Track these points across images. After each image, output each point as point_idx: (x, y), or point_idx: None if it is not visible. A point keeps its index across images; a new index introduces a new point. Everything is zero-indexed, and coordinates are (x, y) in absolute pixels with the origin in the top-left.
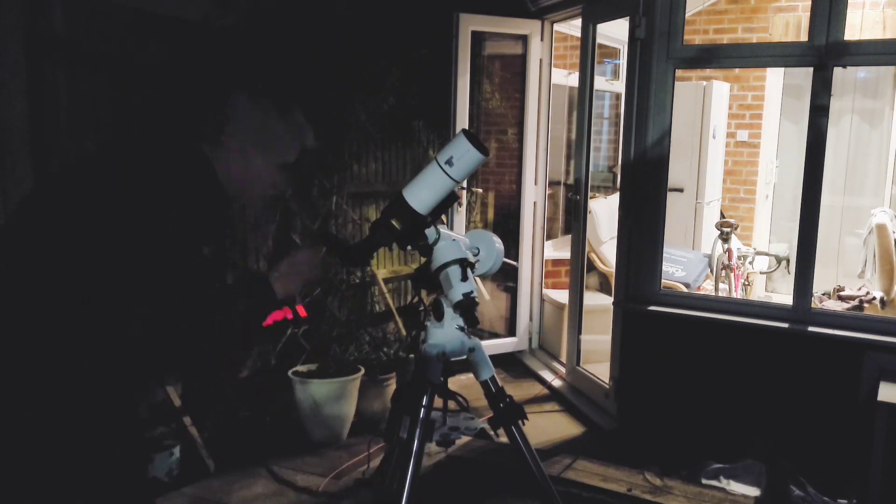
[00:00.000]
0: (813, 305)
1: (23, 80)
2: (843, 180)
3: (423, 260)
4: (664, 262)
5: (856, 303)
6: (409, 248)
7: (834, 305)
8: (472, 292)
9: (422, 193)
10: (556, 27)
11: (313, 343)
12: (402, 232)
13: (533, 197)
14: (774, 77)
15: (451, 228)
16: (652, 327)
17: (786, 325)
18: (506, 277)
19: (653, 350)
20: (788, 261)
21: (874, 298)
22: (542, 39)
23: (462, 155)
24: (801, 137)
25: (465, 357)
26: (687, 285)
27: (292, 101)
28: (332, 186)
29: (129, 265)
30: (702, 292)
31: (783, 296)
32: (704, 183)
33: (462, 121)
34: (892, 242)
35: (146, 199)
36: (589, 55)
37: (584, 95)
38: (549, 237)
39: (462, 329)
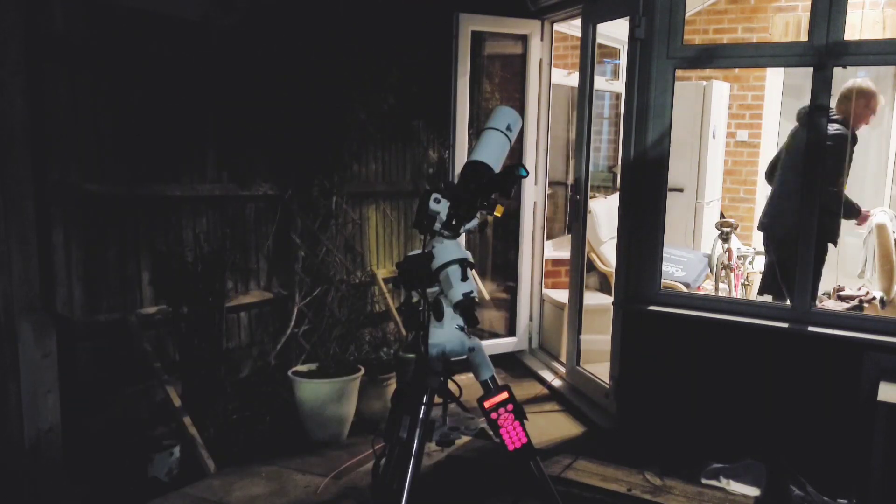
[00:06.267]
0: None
1: (23, 80)
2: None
3: (411, 251)
4: (664, 262)
5: (856, 303)
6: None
7: (834, 305)
8: (471, 292)
9: (493, 156)
10: (556, 27)
11: (313, 343)
12: (491, 179)
13: (533, 197)
14: (774, 77)
15: None
16: (652, 327)
17: (786, 325)
18: (506, 277)
19: (653, 350)
20: None
21: (874, 298)
22: (542, 39)
23: (517, 121)
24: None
25: (465, 357)
26: (687, 285)
27: None
28: (332, 186)
29: None
30: (702, 292)
31: None
32: (704, 183)
33: (462, 121)
34: (892, 242)
35: None
36: (589, 55)
37: (584, 95)
38: (549, 237)
39: (462, 329)
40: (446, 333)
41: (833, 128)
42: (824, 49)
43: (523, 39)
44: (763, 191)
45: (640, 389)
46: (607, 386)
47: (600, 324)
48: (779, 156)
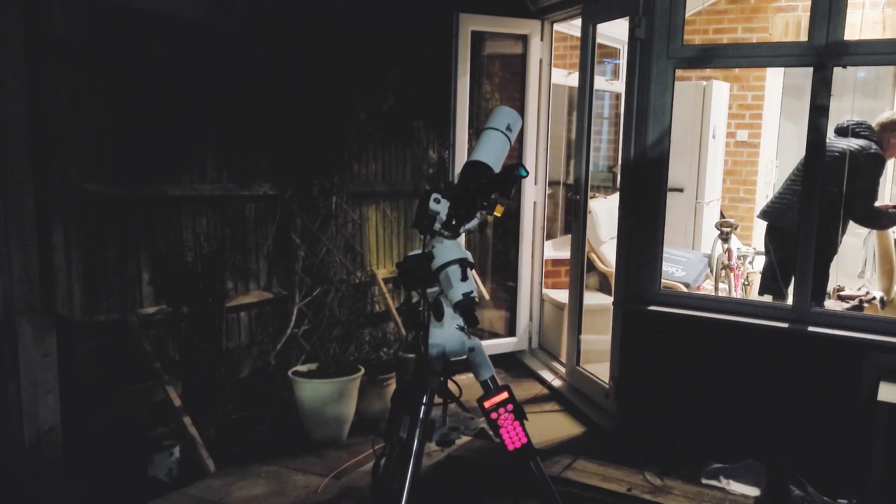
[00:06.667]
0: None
1: (23, 80)
2: None
3: (411, 251)
4: (664, 262)
5: (856, 303)
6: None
7: (834, 305)
8: (471, 292)
9: (492, 156)
10: (556, 27)
11: (313, 343)
12: (491, 179)
13: (533, 197)
14: (774, 77)
15: None
16: (652, 327)
17: (786, 325)
18: (506, 277)
19: (653, 350)
20: None
21: (874, 298)
22: (542, 39)
23: (517, 121)
24: (801, 137)
25: (465, 357)
26: (687, 285)
27: None
28: (332, 186)
29: None
30: (702, 292)
31: None
32: (704, 183)
33: (462, 121)
34: (892, 242)
35: None
36: (589, 55)
37: (584, 95)
38: (549, 237)
39: (462, 329)
40: (446, 333)
41: (874, 148)
42: (824, 49)
43: (523, 39)
44: (763, 190)
45: (640, 389)
46: (607, 386)
47: (600, 324)
48: None
